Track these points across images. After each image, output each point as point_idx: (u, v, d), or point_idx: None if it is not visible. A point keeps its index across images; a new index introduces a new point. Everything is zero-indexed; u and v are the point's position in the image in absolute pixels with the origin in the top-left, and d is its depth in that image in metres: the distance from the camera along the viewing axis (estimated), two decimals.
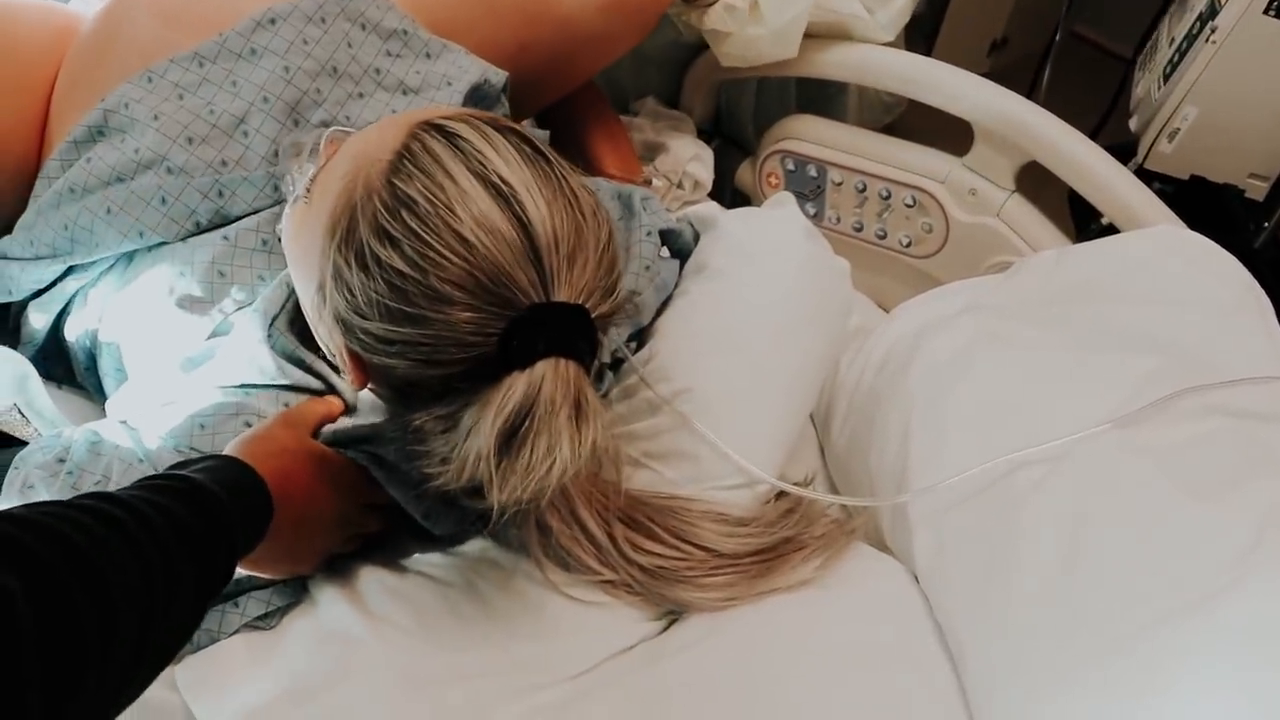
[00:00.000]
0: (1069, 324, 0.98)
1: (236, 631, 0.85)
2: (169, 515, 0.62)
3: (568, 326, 0.72)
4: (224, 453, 0.79)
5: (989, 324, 1.01)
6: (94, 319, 0.99)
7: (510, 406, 0.69)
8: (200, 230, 0.95)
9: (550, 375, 0.70)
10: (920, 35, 1.90)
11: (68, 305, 1.01)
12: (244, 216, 0.96)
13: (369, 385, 0.81)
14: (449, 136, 0.74)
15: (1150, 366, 0.89)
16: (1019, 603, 0.81)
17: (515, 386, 0.70)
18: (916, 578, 0.91)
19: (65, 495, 0.83)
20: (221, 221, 0.96)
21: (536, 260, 0.71)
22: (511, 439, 0.69)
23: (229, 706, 0.79)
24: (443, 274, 0.70)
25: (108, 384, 1.00)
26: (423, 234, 0.70)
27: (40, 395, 0.96)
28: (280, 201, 0.97)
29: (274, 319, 0.91)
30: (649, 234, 1.06)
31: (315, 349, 0.90)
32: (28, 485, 0.84)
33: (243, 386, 0.90)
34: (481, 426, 0.69)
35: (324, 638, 0.84)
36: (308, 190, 0.81)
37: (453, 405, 0.73)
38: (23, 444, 0.92)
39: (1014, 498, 0.85)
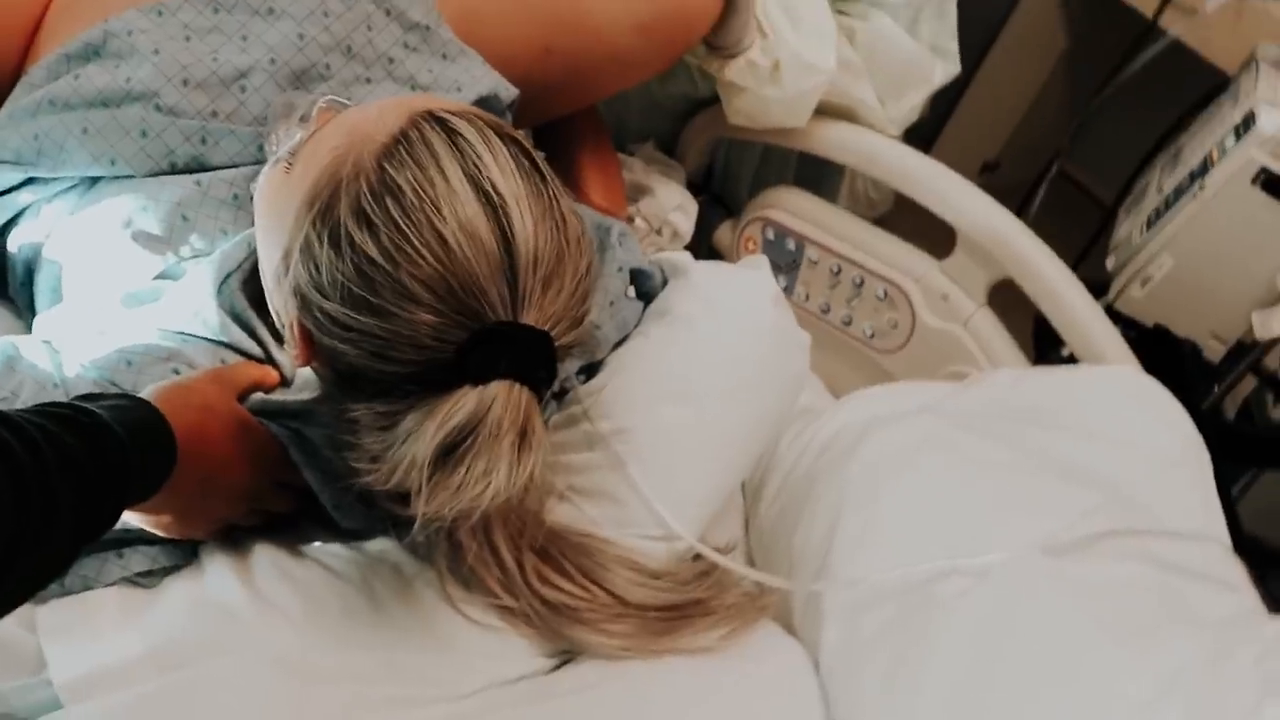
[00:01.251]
0: (1017, 444, 0.98)
1: (114, 584, 0.81)
2: (60, 446, 0.59)
3: (530, 351, 0.71)
4: (141, 395, 0.76)
5: (938, 429, 1.00)
6: (42, 234, 0.95)
7: (456, 420, 0.67)
8: (173, 172, 0.92)
9: (503, 397, 0.69)
10: (917, 141, 1.92)
11: (17, 216, 0.97)
12: (221, 168, 0.94)
13: (312, 364, 0.79)
14: (450, 132, 0.72)
15: (1089, 501, 0.89)
16: (921, 715, 0.79)
17: (465, 401, 0.68)
18: (818, 667, 0.89)
19: None
20: (197, 168, 0.93)
21: (512, 277, 0.70)
22: (450, 453, 0.67)
23: (86, 658, 0.75)
24: (415, 271, 0.68)
25: (40, 302, 0.96)
26: (403, 225, 0.68)
27: None
28: (261, 162, 0.94)
29: (228, 275, 0.88)
30: (620, 270, 1.05)
31: (264, 315, 0.87)
32: None
33: (181, 334, 0.87)
34: (422, 434, 0.68)
35: (204, 607, 0.80)
36: (292, 154, 0.79)
37: (395, 405, 0.71)
38: None
39: (932, 607, 0.84)
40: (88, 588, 0.80)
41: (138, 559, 0.82)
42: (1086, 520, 0.87)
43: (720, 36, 1.23)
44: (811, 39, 1.26)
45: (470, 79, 1.07)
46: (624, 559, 0.88)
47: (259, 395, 0.85)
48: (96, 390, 0.82)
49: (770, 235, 1.46)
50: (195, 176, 0.92)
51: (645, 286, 1.09)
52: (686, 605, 0.88)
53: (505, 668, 0.85)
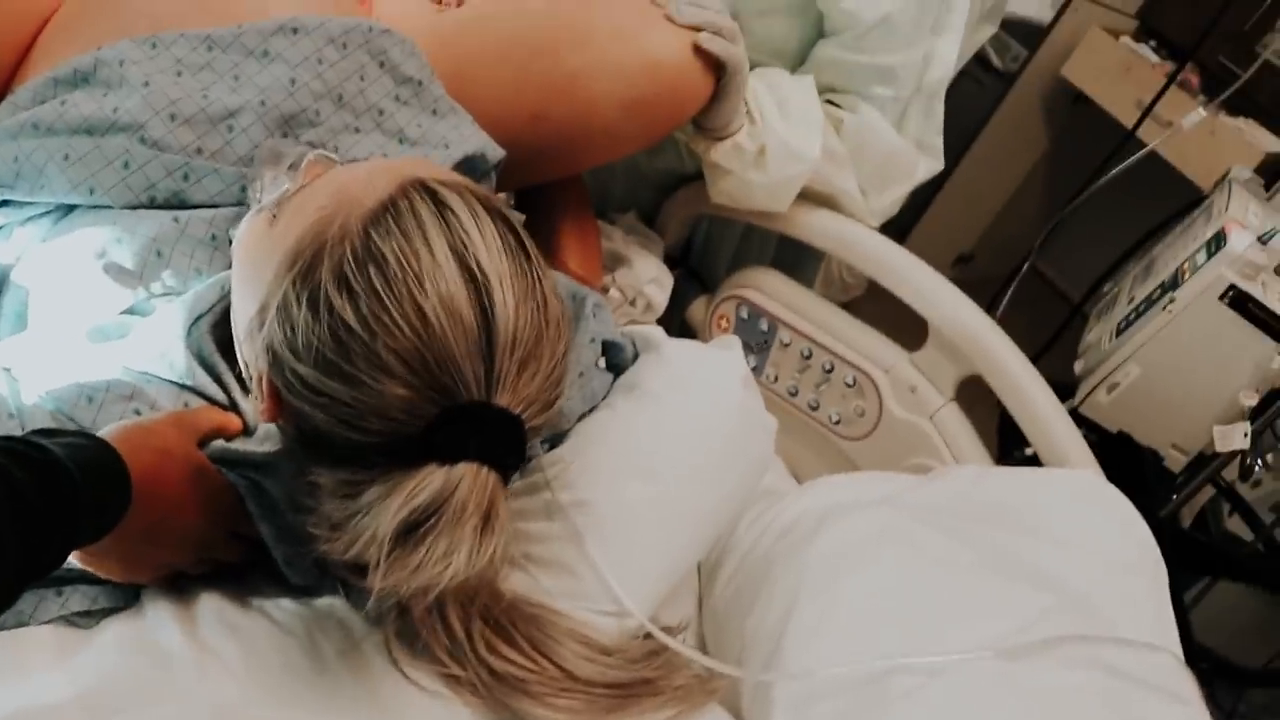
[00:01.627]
0: (975, 542, 0.98)
1: (50, 622, 0.79)
2: (9, 483, 0.58)
3: (501, 435, 0.71)
4: (100, 434, 0.75)
5: (898, 522, 1.00)
6: (11, 256, 0.94)
7: (420, 500, 0.67)
8: (151, 206, 0.92)
9: (469, 480, 0.68)
10: (894, 230, 1.95)
11: None
12: (201, 207, 0.93)
13: (277, 421, 0.78)
14: (439, 204, 0.72)
15: (1043, 604, 0.89)
16: None
17: (431, 480, 0.68)
18: None
19: None
20: (176, 204, 0.93)
21: (489, 357, 0.70)
22: (411, 531, 0.67)
23: (10, 698, 0.73)
24: (391, 342, 0.68)
25: (2, 326, 0.95)
26: (384, 295, 0.68)
27: None
28: (242, 204, 0.94)
29: (199, 317, 0.87)
30: (592, 341, 1.05)
31: (232, 360, 0.87)
32: None
33: (145, 374, 0.86)
34: (384, 508, 0.67)
35: (141, 652, 0.78)
36: (277, 205, 0.79)
37: (359, 474, 0.70)
38: None
39: (883, 703, 0.83)
40: (21, 624, 0.79)
41: (77, 598, 0.81)
42: (1041, 623, 0.86)
43: (709, 119, 1.25)
44: (799, 127, 1.28)
45: (458, 136, 1.07)
46: (575, 633, 0.87)
47: (220, 442, 0.84)
48: (54, 424, 0.81)
49: (744, 314, 1.46)
50: (174, 213, 0.91)
51: (616, 359, 1.09)
52: (635, 684, 0.86)
53: None
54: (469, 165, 1.09)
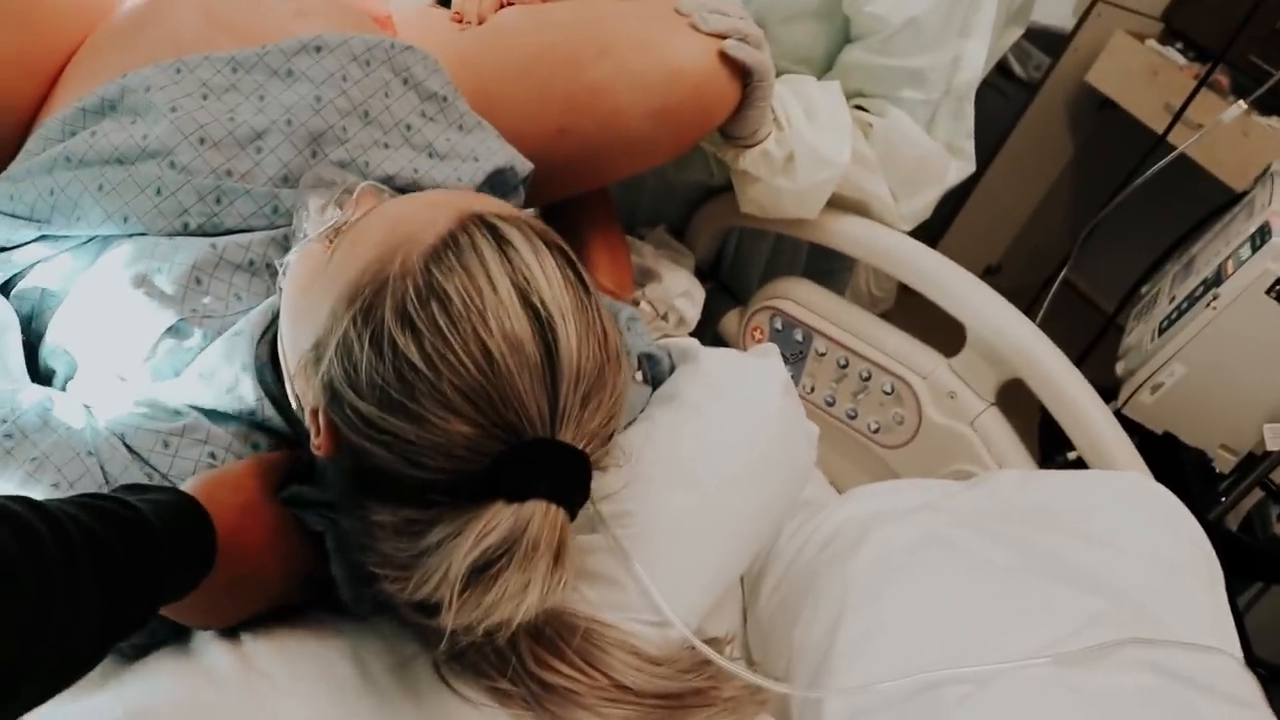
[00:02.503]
0: (1023, 547, 0.96)
1: None
2: (97, 546, 0.58)
3: (567, 472, 0.70)
4: (185, 488, 0.75)
5: (943, 528, 0.98)
6: (56, 283, 0.94)
7: (491, 540, 0.66)
8: (185, 233, 0.92)
9: (539, 518, 0.68)
10: (922, 240, 1.93)
11: (23, 270, 0.96)
12: (235, 231, 0.93)
13: (332, 456, 0.77)
14: (500, 240, 0.72)
15: (1096, 608, 0.87)
16: None
17: (500, 520, 0.67)
18: None
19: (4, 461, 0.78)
20: (211, 230, 0.93)
21: (554, 393, 0.69)
22: (483, 571, 0.67)
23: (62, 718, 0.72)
24: (456, 380, 0.68)
25: (48, 355, 0.94)
26: (448, 333, 0.68)
27: (13, 352, 0.91)
28: (277, 226, 0.94)
29: (257, 344, 0.87)
30: (629, 355, 1.04)
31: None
32: None
33: (213, 411, 0.85)
34: (454, 548, 0.67)
35: (189, 674, 0.78)
36: (331, 240, 0.78)
37: (421, 512, 0.70)
38: None
39: (938, 712, 0.81)
40: None
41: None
42: (1093, 628, 0.85)
43: (737, 127, 1.24)
44: (827, 133, 1.27)
45: (486, 150, 1.07)
46: (624, 643, 0.85)
47: (296, 487, 0.83)
48: (131, 464, 0.81)
49: (778, 325, 1.45)
50: (210, 239, 0.91)
51: (653, 371, 1.09)
52: (685, 694, 0.85)
53: None
54: (499, 180, 1.09)
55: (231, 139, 0.93)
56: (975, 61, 1.31)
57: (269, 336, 0.88)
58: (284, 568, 0.80)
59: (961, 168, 1.39)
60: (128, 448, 0.82)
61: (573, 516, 0.72)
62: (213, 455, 0.83)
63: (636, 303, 1.41)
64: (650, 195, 1.60)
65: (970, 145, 1.38)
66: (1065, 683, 0.81)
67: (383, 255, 0.72)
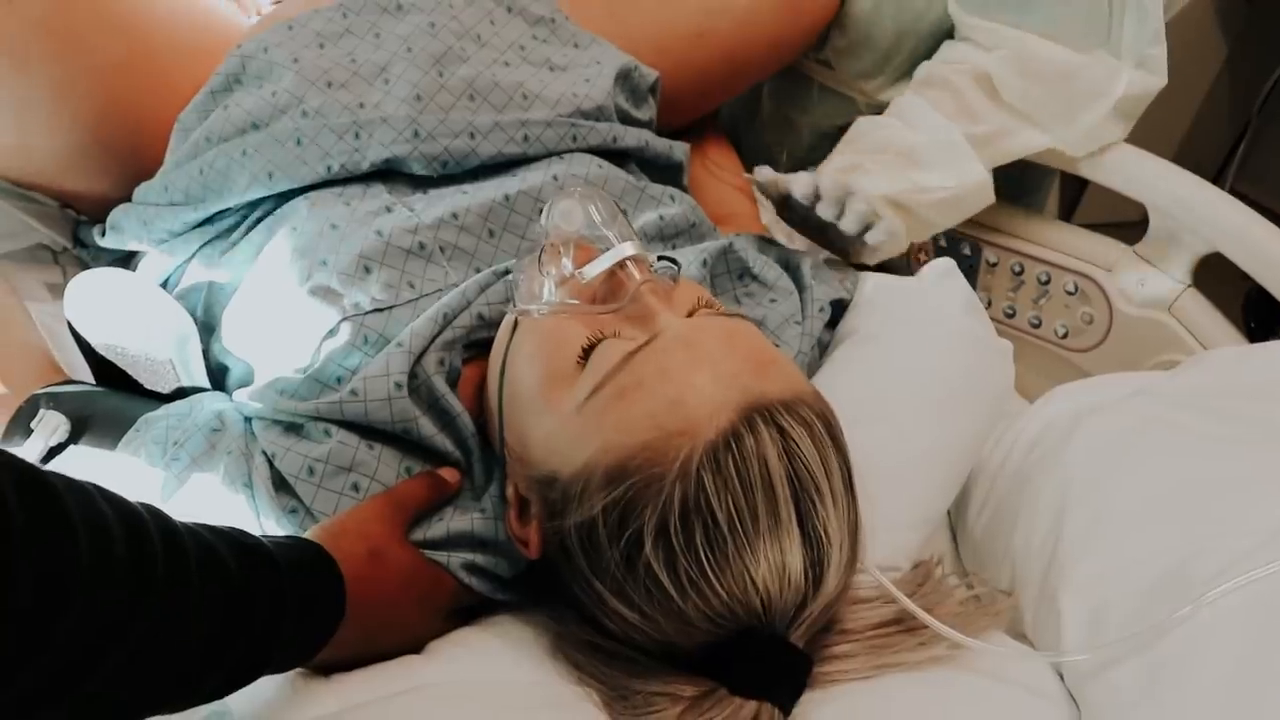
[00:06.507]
0: (1255, 423, 0.87)
1: None
2: (210, 557, 0.56)
3: (795, 675, 0.69)
4: (310, 536, 0.72)
5: (1163, 411, 0.90)
6: (221, 278, 0.95)
7: None
8: (331, 176, 0.91)
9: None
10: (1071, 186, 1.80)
11: (186, 263, 0.98)
12: (378, 170, 0.93)
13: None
14: (789, 450, 0.67)
15: None
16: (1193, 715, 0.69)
17: (726, 712, 0.66)
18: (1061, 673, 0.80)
19: (170, 485, 0.78)
20: (354, 170, 0.92)
21: (802, 608, 0.67)
22: None
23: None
24: (704, 603, 0.65)
25: (212, 353, 0.95)
26: (705, 560, 0.64)
27: (196, 359, 0.92)
28: (428, 179, 0.94)
29: (420, 356, 0.82)
30: (821, 309, 1.00)
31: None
32: (137, 455, 0.80)
33: (366, 430, 0.81)
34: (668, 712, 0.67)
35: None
36: (587, 355, 0.73)
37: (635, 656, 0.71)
38: (160, 397, 0.88)
39: (1187, 593, 0.73)
40: None
41: None
42: None
43: None
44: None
45: (608, 56, 1.07)
46: None
47: (436, 530, 0.80)
48: (278, 495, 0.78)
49: (942, 241, 1.38)
50: (375, 225, 0.88)
51: (836, 314, 1.04)
52: (904, 618, 0.79)
53: None
54: (628, 85, 1.08)
55: (357, 78, 0.94)
56: None
57: (443, 340, 0.83)
58: (422, 610, 0.77)
59: (1144, 79, 1.18)
60: (274, 471, 0.79)
61: (786, 715, 0.68)
62: (355, 487, 0.79)
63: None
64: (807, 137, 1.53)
65: (1159, 52, 1.18)
66: None
67: (656, 444, 0.66)
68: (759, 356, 0.73)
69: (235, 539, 0.60)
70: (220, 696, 0.61)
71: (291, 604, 0.61)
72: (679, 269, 0.81)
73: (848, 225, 1.12)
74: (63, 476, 0.48)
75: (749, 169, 1.27)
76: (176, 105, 1.01)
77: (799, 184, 1.12)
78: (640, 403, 0.68)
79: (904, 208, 1.17)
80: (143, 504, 0.54)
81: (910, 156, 1.19)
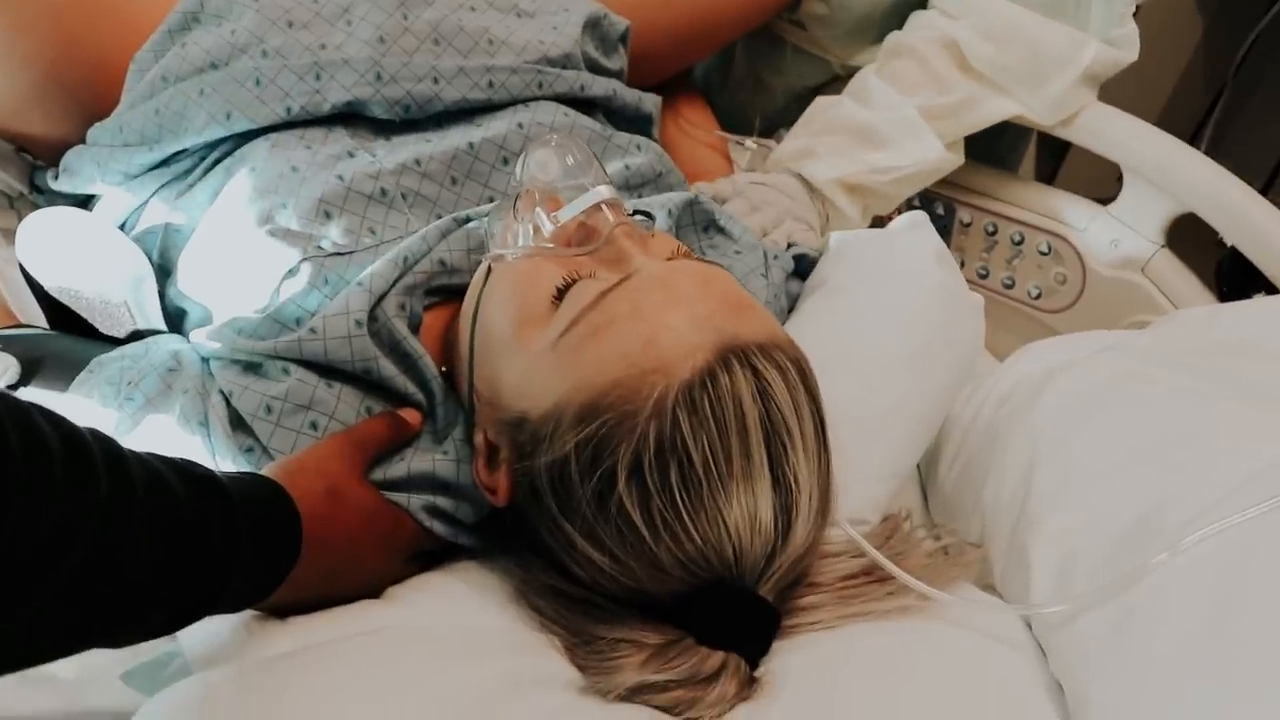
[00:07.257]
0: (1224, 378, 0.86)
1: None
2: (156, 481, 0.55)
3: (763, 628, 0.69)
4: (267, 473, 0.70)
5: (1134, 366, 0.89)
6: (178, 219, 0.93)
7: (675, 676, 0.65)
8: (291, 118, 0.89)
9: (729, 675, 0.66)
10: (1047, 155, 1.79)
11: (142, 205, 0.95)
12: (340, 114, 0.91)
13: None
14: (762, 391, 0.66)
15: None
16: (1160, 664, 0.68)
17: (690, 660, 0.65)
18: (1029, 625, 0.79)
19: (124, 425, 0.76)
20: (315, 112, 0.90)
21: (770, 559, 0.66)
22: (658, 691, 0.65)
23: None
24: (676, 546, 0.64)
25: (168, 297, 0.93)
26: (679, 500, 0.63)
27: (151, 300, 0.90)
28: (393, 123, 0.92)
29: (380, 298, 0.80)
30: (776, 257, 1.02)
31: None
32: (89, 396, 0.78)
33: (327, 376, 0.79)
34: (631, 659, 0.66)
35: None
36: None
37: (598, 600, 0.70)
38: (114, 341, 0.86)
39: (1159, 539, 0.72)
40: None
41: None
42: None
43: None
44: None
45: (577, 4, 1.05)
46: None
47: (397, 469, 0.78)
48: (234, 434, 0.77)
49: (914, 201, 1.37)
50: (336, 170, 0.87)
51: (801, 266, 1.04)
52: (872, 569, 0.79)
53: None
54: (597, 33, 1.06)
55: (319, 19, 0.92)
56: None
57: (404, 284, 0.82)
58: (383, 550, 0.75)
59: (1110, 51, 1.18)
60: (231, 409, 0.77)
61: (753, 669, 0.68)
62: (313, 425, 0.77)
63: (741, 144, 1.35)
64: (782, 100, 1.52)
65: (1129, 29, 1.19)
66: None
67: (629, 381, 0.65)
68: (735, 300, 0.72)
69: (185, 468, 0.58)
70: (170, 631, 0.59)
71: (244, 537, 0.60)
72: (654, 221, 0.79)
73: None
74: (2, 395, 0.46)
75: (724, 129, 1.26)
76: (136, 44, 0.98)
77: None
78: (614, 340, 0.67)
79: (859, 188, 1.17)
80: (89, 429, 0.52)
81: (865, 136, 1.18)
